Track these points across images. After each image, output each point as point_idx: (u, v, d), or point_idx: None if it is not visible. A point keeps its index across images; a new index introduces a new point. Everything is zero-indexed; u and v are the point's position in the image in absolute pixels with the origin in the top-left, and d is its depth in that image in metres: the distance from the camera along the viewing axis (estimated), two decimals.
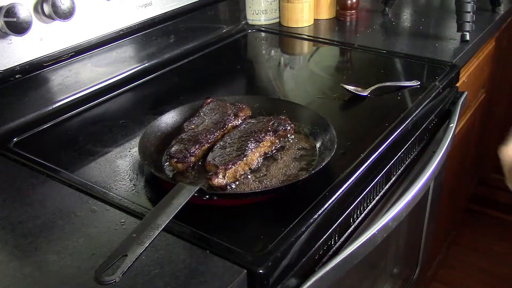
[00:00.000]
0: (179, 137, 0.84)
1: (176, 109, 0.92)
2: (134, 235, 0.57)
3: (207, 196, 0.69)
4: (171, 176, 0.79)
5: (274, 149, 0.84)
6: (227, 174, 0.74)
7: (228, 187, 0.75)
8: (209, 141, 0.83)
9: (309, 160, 0.82)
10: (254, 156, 0.80)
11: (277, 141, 0.85)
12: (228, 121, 0.88)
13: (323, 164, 0.77)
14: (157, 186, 0.79)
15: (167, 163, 0.82)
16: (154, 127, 0.87)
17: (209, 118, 0.89)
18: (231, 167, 0.75)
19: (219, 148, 0.81)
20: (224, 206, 0.75)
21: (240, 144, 0.81)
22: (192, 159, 0.79)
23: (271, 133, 0.84)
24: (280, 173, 0.79)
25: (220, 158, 0.77)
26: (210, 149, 0.82)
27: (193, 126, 0.86)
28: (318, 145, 0.86)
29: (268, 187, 0.75)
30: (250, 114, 0.92)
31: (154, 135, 0.86)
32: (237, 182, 0.76)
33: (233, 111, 0.90)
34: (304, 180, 0.74)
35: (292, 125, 0.88)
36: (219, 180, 0.73)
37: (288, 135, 0.87)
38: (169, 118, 0.90)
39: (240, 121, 0.89)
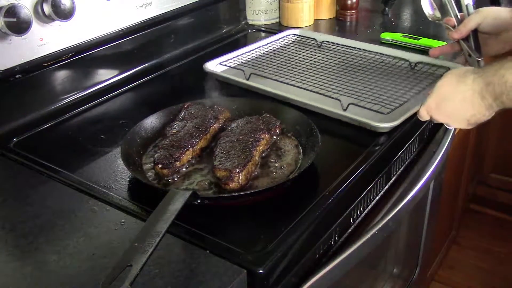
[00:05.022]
0: (162, 143, 0.83)
1: (154, 114, 0.91)
2: (136, 244, 0.57)
3: (198, 201, 0.70)
4: (156, 181, 0.78)
5: (268, 148, 0.84)
6: (241, 177, 0.74)
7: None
8: (193, 145, 0.82)
9: (295, 159, 0.82)
10: (257, 155, 0.80)
11: (270, 139, 0.85)
12: (209, 124, 0.87)
13: (310, 162, 0.77)
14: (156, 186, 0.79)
15: (149, 168, 0.81)
16: (134, 134, 0.86)
17: (189, 122, 0.88)
18: (243, 169, 0.75)
19: (221, 152, 0.80)
20: (224, 206, 0.74)
21: (241, 145, 0.80)
22: (177, 164, 0.79)
23: (265, 131, 0.84)
24: (273, 173, 0.79)
25: (229, 162, 0.77)
26: (194, 153, 0.82)
27: (174, 131, 0.86)
28: (301, 143, 0.86)
29: (269, 187, 0.75)
30: (230, 116, 0.92)
31: (135, 142, 0.85)
32: (248, 184, 0.76)
33: (213, 114, 0.90)
34: (293, 180, 0.74)
35: (279, 121, 0.88)
36: (234, 184, 0.74)
37: (278, 132, 0.87)
38: (147, 124, 0.89)
39: (221, 123, 0.90)
